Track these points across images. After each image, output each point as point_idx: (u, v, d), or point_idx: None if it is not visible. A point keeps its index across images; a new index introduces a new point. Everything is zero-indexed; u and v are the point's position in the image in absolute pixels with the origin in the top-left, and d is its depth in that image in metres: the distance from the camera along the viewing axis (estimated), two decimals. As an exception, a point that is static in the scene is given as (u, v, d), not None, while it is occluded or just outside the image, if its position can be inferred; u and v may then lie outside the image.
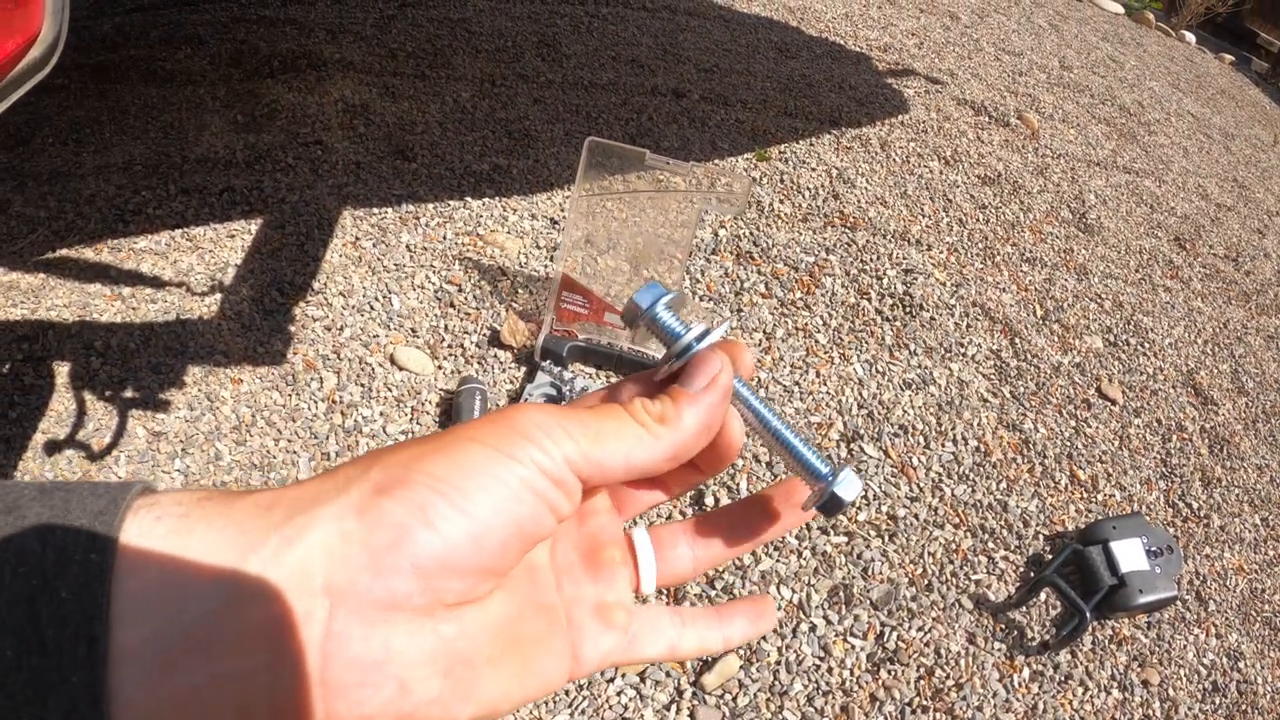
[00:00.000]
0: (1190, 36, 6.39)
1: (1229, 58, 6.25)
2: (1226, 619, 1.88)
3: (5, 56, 1.04)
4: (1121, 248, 3.02)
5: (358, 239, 2.24)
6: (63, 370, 1.87)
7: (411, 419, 1.81)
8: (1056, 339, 2.43)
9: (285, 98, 2.81)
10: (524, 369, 1.95)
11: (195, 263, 2.15)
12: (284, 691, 0.29)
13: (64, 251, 2.14)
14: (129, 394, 1.78)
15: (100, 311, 1.99)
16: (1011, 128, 3.63)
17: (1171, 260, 3.07)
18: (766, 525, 0.46)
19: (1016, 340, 2.35)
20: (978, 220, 2.86)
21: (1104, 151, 3.73)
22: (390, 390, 1.86)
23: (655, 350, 1.97)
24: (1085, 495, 1.98)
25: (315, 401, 1.81)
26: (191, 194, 2.35)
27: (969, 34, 4.71)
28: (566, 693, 1.42)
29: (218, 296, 2.07)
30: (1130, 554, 1.76)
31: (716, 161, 2.85)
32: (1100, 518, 1.92)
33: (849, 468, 0.42)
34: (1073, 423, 2.16)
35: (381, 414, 1.81)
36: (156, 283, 2.12)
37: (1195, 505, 2.09)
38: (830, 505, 0.41)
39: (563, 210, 2.47)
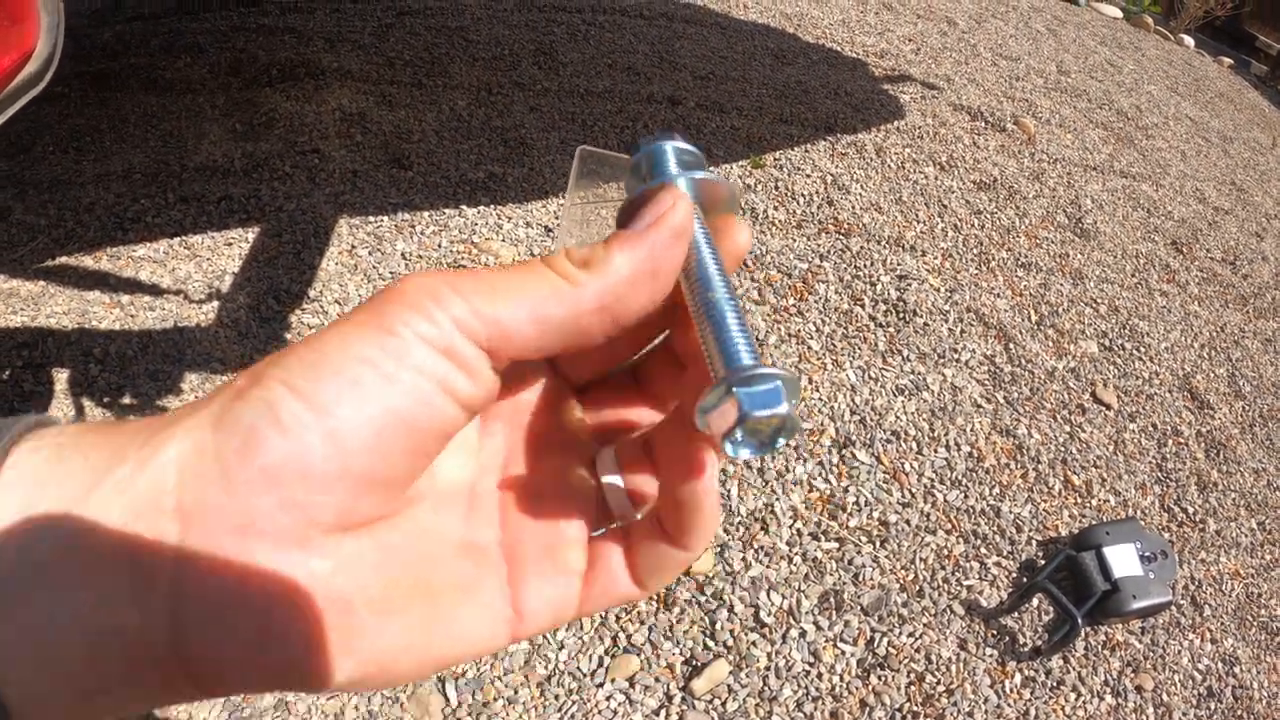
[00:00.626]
0: (1189, 40, 6.39)
1: (1228, 61, 6.25)
2: (1222, 624, 1.87)
3: (1, 72, 1.06)
4: (1118, 252, 3.02)
5: (354, 247, 2.25)
6: (62, 377, 1.88)
7: None
8: (1051, 344, 2.43)
9: (283, 106, 2.83)
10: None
11: (193, 270, 2.16)
12: (134, 629, 0.25)
13: (64, 259, 2.16)
14: (127, 400, 1.79)
15: (99, 319, 2.00)
16: (1008, 133, 3.63)
17: (1168, 264, 3.07)
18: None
19: (1011, 345, 2.35)
20: (973, 226, 2.86)
21: (1101, 156, 3.73)
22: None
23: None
24: (1079, 500, 1.98)
25: None
26: (190, 202, 2.36)
27: (966, 39, 4.71)
28: (555, 696, 1.42)
29: (215, 304, 2.08)
30: (1124, 559, 1.76)
31: (711, 169, 2.85)
32: (1094, 523, 1.92)
33: (783, 376, 0.28)
34: (1067, 428, 2.16)
35: None
36: (155, 290, 2.13)
37: (1191, 510, 2.09)
38: (714, 418, 0.29)
39: (557, 218, 2.47)
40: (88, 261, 2.18)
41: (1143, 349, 2.55)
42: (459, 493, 0.32)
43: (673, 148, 0.34)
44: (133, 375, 1.83)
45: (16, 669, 0.24)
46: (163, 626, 0.25)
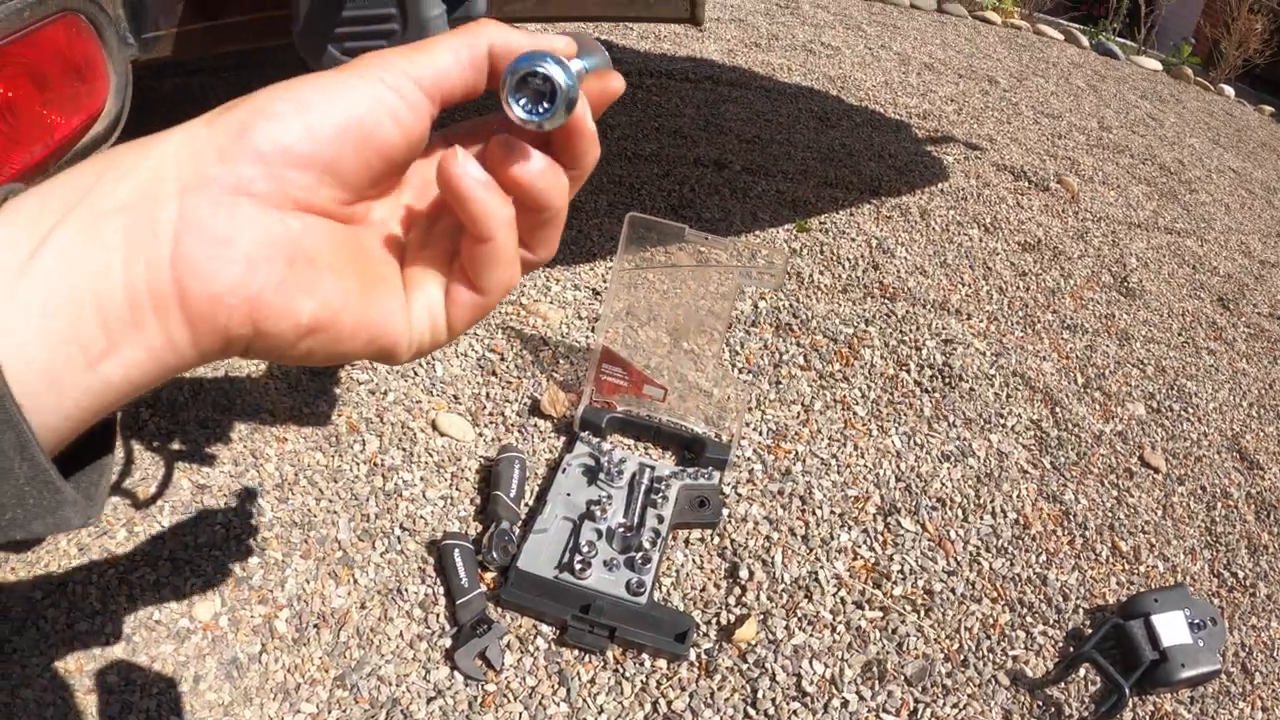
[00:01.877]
0: (1229, 89, 6.38)
1: (1269, 109, 6.23)
2: (1274, 691, 1.87)
3: (70, 131, 1.12)
4: (1164, 311, 3.03)
5: (406, 306, 2.32)
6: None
7: (451, 484, 1.87)
8: (1098, 407, 2.44)
9: None
10: (563, 438, 2.00)
11: None
12: (137, 275, 0.31)
13: None
14: (176, 446, 1.84)
15: None
16: (1051, 192, 3.66)
17: (1215, 321, 3.07)
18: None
19: (1057, 409, 2.37)
20: (1018, 288, 2.89)
21: (1145, 212, 3.74)
22: (431, 455, 1.92)
23: (693, 422, 2.01)
24: (1127, 567, 1.99)
25: (357, 463, 1.88)
26: None
27: (1008, 98, 4.75)
28: (609, 769, 1.45)
29: None
30: (1172, 627, 1.76)
31: (757, 233, 2.91)
32: (1142, 590, 1.93)
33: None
34: (1114, 493, 2.17)
35: (422, 479, 1.87)
36: None
37: (1241, 574, 2.09)
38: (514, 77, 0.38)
39: (605, 282, 2.53)
40: None
41: (1190, 409, 2.56)
42: (382, 225, 0.42)
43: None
44: (183, 422, 1.90)
45: (18, 337, 0.29)
46: (164, 266, 0.32)
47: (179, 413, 1.92)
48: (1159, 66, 6.45)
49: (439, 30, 1.11)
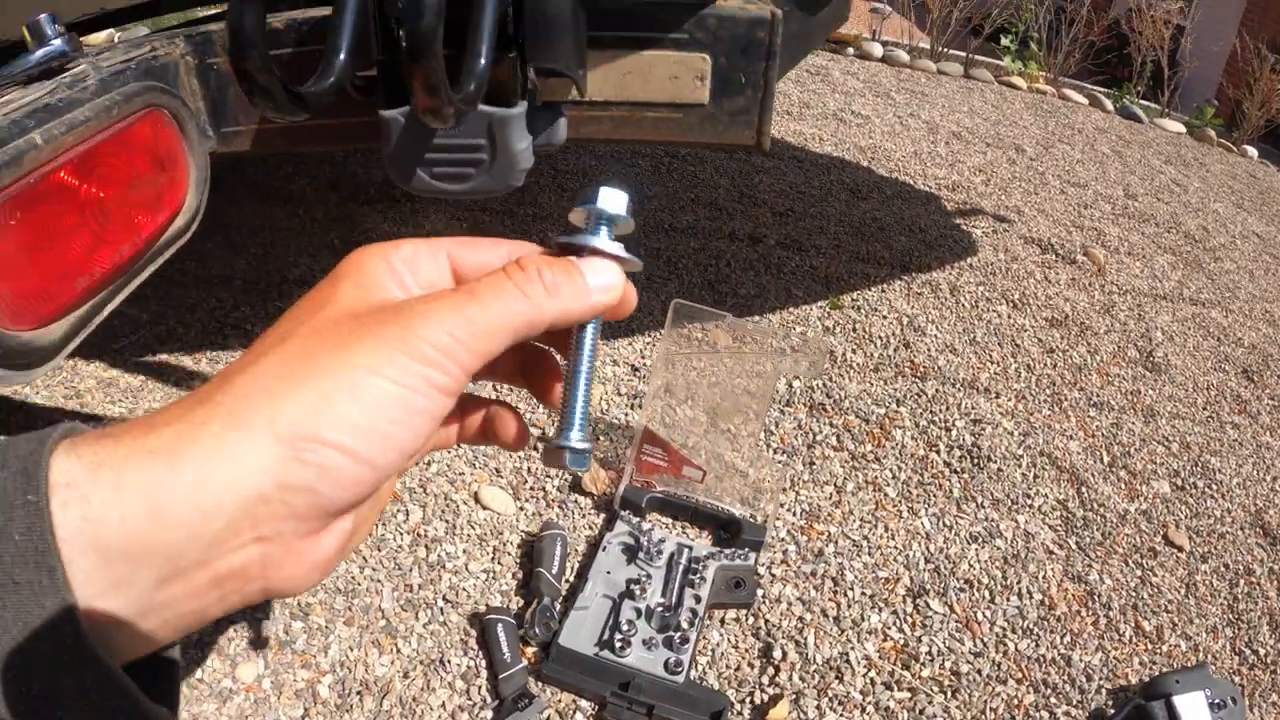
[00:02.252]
0: (1252, 150, 6.46)
1: (1292, 169, 6.31)
2: (1293, 770, 1.94)
3: (156, 228, 1.18)
4: (1189, 385, 3.11)
5: (449, 381, 2.43)
6: None
7: (493, 559, 1.95)
8: (1123, 486, 2.52)
9: (380, 227, 3.05)
10: (603, 516, 2.09)
11: None
12: (231, 603, 0.38)
13: (164, 356, 2.33)
14: None
15: None
16: (1078, 265, 3.76)
17: (1239, 395, 3.15)
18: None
19: (1083, 489, 2.45)
20: (1045, 365, 2.98)
21: (1170, 283, 3.83)
22: (474, 528, 2.01)
23: (729, 503, 2.11)
24: (1150, 647, 2.06)
25: (401, 534, 1.97)
26: None
27: (1034, 167, 4.86)
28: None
29: None
30: (1193, 708, 1.84)
31: (791, 310, 3.02)
32: (1164, 669, 2.01)
33: (586, 454, 0.47)
34: (1139, 572, 2.25)
35: (464, 551, 1.95)
36: None
37: (1263, 652, 2.15)
38: (548, 455, 0.47)
39: (643, 358, 2.64)
40: (187, 362, 2.35)
41: (1214, 486, 2.63)
42: None
43: (614, 217, 0.49)
44: None
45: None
46: (255, 593, 0.39)
47: None
48: (1182, 129, 6.55)
49: (526, 163, 1.18)
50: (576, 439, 0.46)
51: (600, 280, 0.47)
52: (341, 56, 1.00)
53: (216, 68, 1.24)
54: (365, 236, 2.97)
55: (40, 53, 1.03)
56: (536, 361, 0.52)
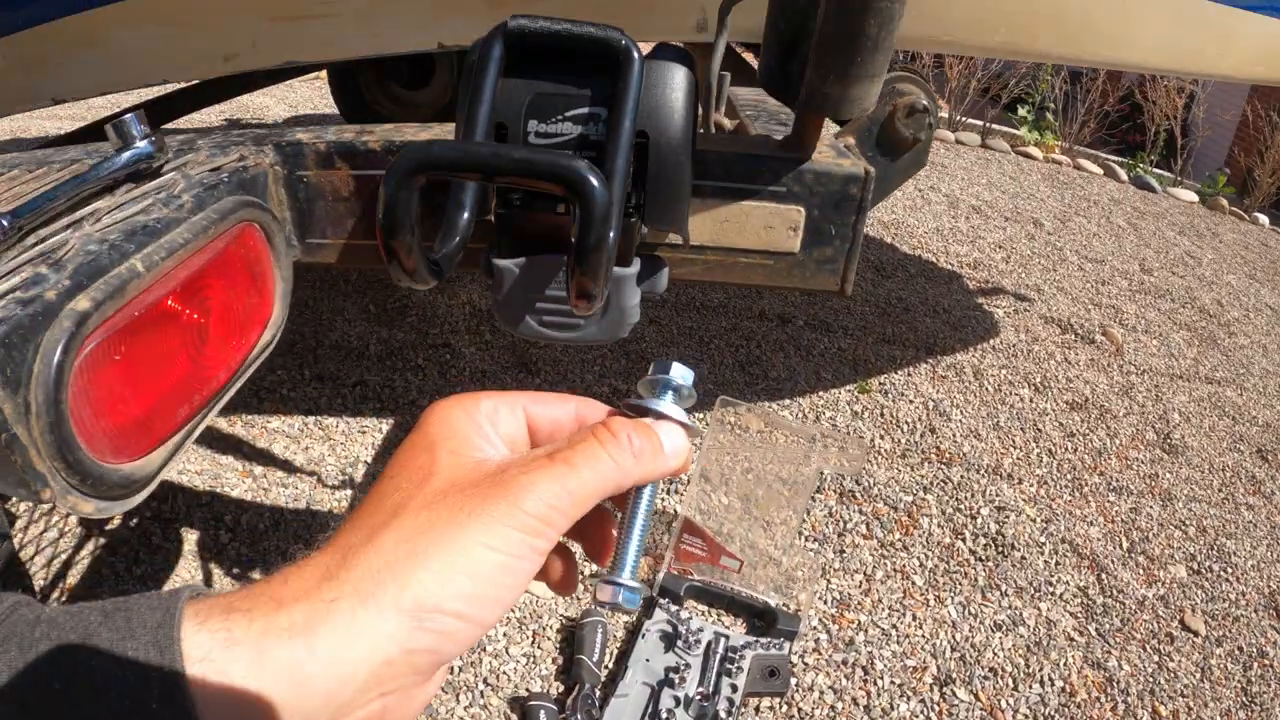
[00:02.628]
0: (1263, 218, 6.59)
1: (1302, 237, 6.42)
2: None
3: (249, 348, 1.17)
4: (1205, 467, 3.22)
5: (484, 452, 2.55)
6: (191, 537, 2.06)
7: (533, 643, 2.04)
8: (1142, 571, 2.64)
9: (416, 294, 3.15)
10: (642, 603, 2.20)
11: (326, 453, 2.40)
12: None
13: None
14: (257, 575, 1.93)
15: (231, 486, 2.22)
16: (1097, 344, 3.88)
17: (1254, 475, 3.25)
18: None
19: (1103, 576, 2.57)
20: (1066, 450, 3.11)
21: (1186, 361, 3.95)
22: (514, 612, 2.09)
23: (764, 591, 2.23)
24: (1168, 732, 2.17)
25: None
26: (325, 381, 2.62)
27: (1052, 242, 5.00)
28: None
29: (348, 492, 2.29)
30: (1209, 795, 1.95)
31: (821, 394, 3.15)
32: (1182, 756, 2.12)
33: (639, 592, 0.51)
34: (1156, 658, 2.36)
35: (504, 635, 2.04)
36: (288, 467, 2.32)
37: (1276, 735, 2.26)
38: (602, 591, 0.50)
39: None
40: (222, 423, 2.41)
41: (1230, 569, 2.74)
42: None
43: (681, 387, 0.52)
44: (264, 550, 2.05)
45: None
46: None
47: (259, 540, 2.09)
48: (1195, 198, 6.69)
49: (635, 317, 1.20)
50: (629, 578, 0.50)
51: (674, 445, 0.50)
52: (465, 214, 1.01)
53: (306, 180, 1.24)
54: (401, 304, 3.09)
55: (127, 155, 1.02)
56: (597, 522, 0.54)
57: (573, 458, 0.45)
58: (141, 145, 1.03)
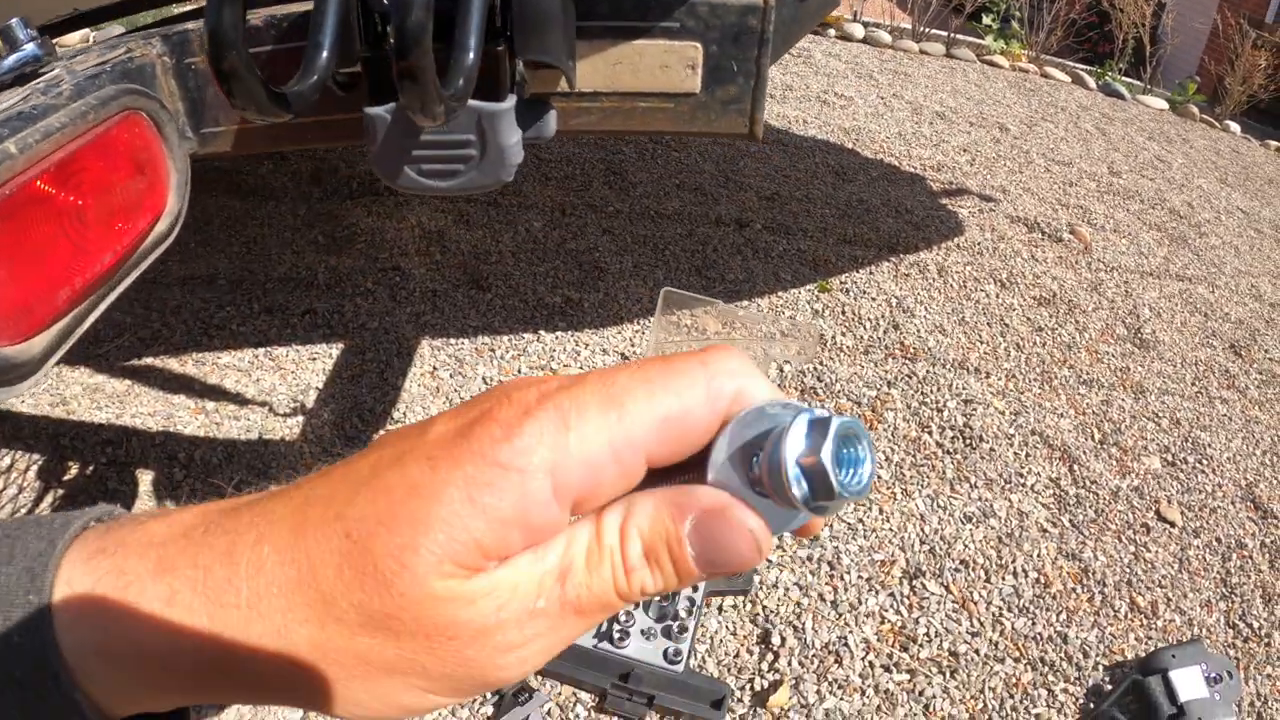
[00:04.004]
0: (1234, 126, 6.48)
1: (1275, 144, 6.31)
2: (1289, 741, 1.95)
3: (137, 235, 1.12)
4: (1177, 361, 3.12)
5: (435, 369, 2.42)
6: (146, 478, 2.00)
7: None
8: (1115, 463, 2.53)
9: (364, 221, 3.03)
10: None
11: (277, 383, 2.31)
12: None
13: (149, 359, 2.32)
14: None
15: (184, 423, 2.15)
16: (1064, 243, 3.76)
17: (1228, 369, 3.16)
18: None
19: (1075, 467, 2.46)
20: (1034, 344, 2.99)
21: (1156, 260, 3.84)
22: None
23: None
24: (1145, 622, 2.07)
25: None
26: (274, 313, 2.53)
27: (1019, 145, 4.87)
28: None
29: (300, 419, 2.23)
30: (1189, 682, 1.85)
31: (780, 294, 3.01)
32: (1160, 645, 2.01)
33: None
34: (1132, 548, 2.25)
35: None
36: (239, 400, 2.27)
37: (1256, 624, 2.17)
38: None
39: (633, 346, 2.63)
40: (173, 364, 2.34)
41: (1205, 461, 2.64)
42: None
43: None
44: (218, 485, 1.99)
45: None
46: None
47: (213, 474, 2.02)
48: (1165, 105, 6.56)
49: (517, 158, 1.15)
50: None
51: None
52: (324, 53, 0.96)
53: (195, 68, 1.20)
54: (349, 232, 2.95)
55: (12, 59, 1.00)
56: None
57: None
58: (28, 48, 1.01)
